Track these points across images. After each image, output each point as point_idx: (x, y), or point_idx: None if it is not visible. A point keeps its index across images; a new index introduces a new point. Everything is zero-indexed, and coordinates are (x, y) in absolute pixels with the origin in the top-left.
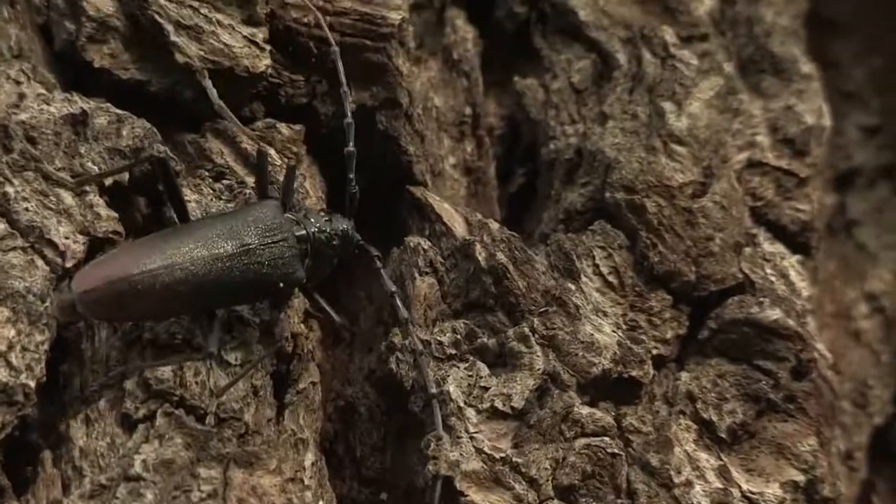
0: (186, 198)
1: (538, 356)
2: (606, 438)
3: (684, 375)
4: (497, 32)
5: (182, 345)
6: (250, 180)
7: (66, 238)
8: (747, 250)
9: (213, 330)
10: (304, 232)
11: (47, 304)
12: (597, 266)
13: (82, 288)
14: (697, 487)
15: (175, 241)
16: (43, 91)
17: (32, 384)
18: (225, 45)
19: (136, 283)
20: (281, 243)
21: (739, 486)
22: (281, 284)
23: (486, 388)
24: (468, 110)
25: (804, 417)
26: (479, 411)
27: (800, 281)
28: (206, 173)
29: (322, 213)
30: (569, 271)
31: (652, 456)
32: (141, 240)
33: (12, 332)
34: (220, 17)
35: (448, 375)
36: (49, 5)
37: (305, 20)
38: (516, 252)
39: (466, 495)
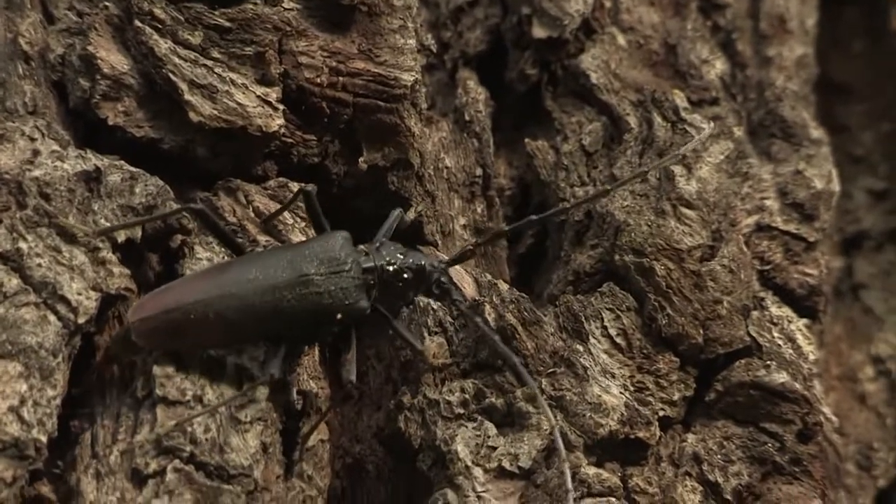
0: (198, 255)
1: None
2: (612, 499)
3: (691, 437)
4: (508, 93)
5: (193, 401)
6: (262, 238)
7: (79, 294)
8: (755, 314)
9: (277, 355)
10: (371, 264)
11: (59, 359)
12: (605, 328)
13: (138, 317)
14: None
15: (231, 271)
16: (57, 148)
17: (44, 439)
18: (238, 104)
19: (190, 311)
20: (343, 274)
21: None
22: (339, 316)
23: (493, 448)
24: (479, 171)
25: (809, 480)
26: (486, 470)
27: (807, 345)
28: None
29: (400, 247)
30: (577, 333)
31: None
32: (200, 271)
33: (24, 387)
34: (233, 76)
35: (456, 434)
36: (64, 62)
37: (318, 80)
38: (525, 313)
39: None
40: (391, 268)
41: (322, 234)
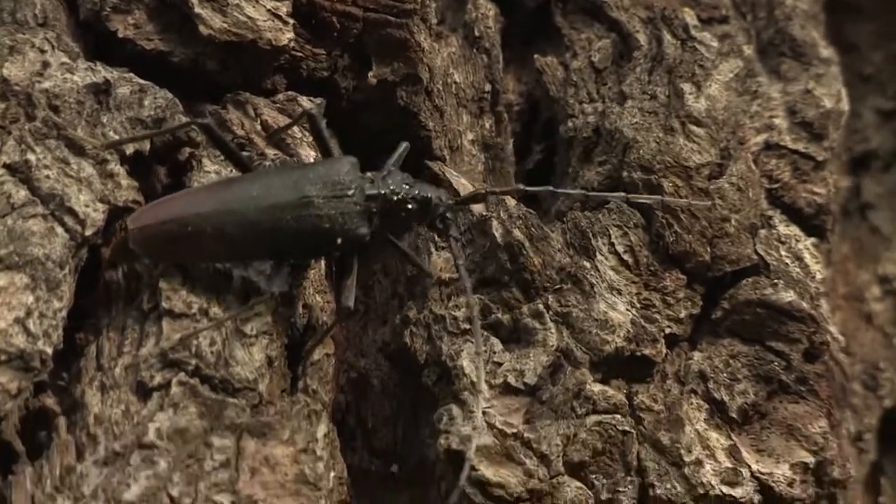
0: (206, 168)
1: (552, 333)
2: (618, 416)
3: (697, 355)
4: (518, 9)
5: (198, 314)
6: (270, 152)
7: (87, 206)
8: (762, 232)
9: (282, 271)
10: (375, 192)
11: (65, 271)
12: (612, 244)
13: (136, 224)
14: (707, 467)
15: (234, 187)
16: (67, 60)
17: (49, 351)
18: (248, 17)
19: (188, 223)
20: (345, 199)
21: (749, 467)
22: (339, 240)
23: (499, 364)
24: (487, 87)
25: (815, 399)
26: (491, 386)
27: (814, 263)
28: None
29: (408, 178)
30: (584, 249)
31: (663, 434)
32: (203, 185)
33: (31, 299)
34: None
35: (462, 350)
36: None
37: None
38: (532, 229)
39: (477, 470)
40: (395, 197)
41: (330, 158)
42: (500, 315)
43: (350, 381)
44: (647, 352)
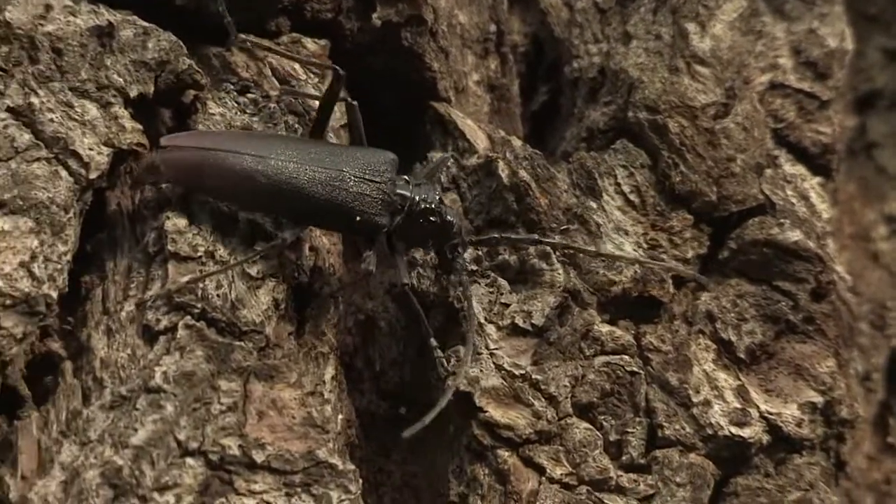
0: (211, 111)
1: (559, 274)
2: (626, 357)
3: (704, 295)
4: None
5: (204, 257)
6: (275, 93)
7: (91, 149)
8: (768, 172)
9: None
10: (405, 192)
11: (70, 214)
12: (618, 185)
13: (171, 143)
14: (716, 407)
15: (275, 142)
16: (69, 3)
17: (55, 295)
18: None
19: (222, 159)
20: (376, 185)
21: (758, 407)
22: (358, 218)
23: (506, 305)
24: (492, 27)
25: (822, 339)
26: (499, 328)
27: (820, 203)
28: (231, 87)
29: (440, 194)
30: (591, 189)
31: (671, 375)
32: (246, 131)
33: (35, 243)
34: None
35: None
36: None
37: None
38: (539, 169)
39: (486, 411)
40: (423, 205)
41: (374, 148)
42: (507, 256)
43: (357, 323)
44: (654, 292)
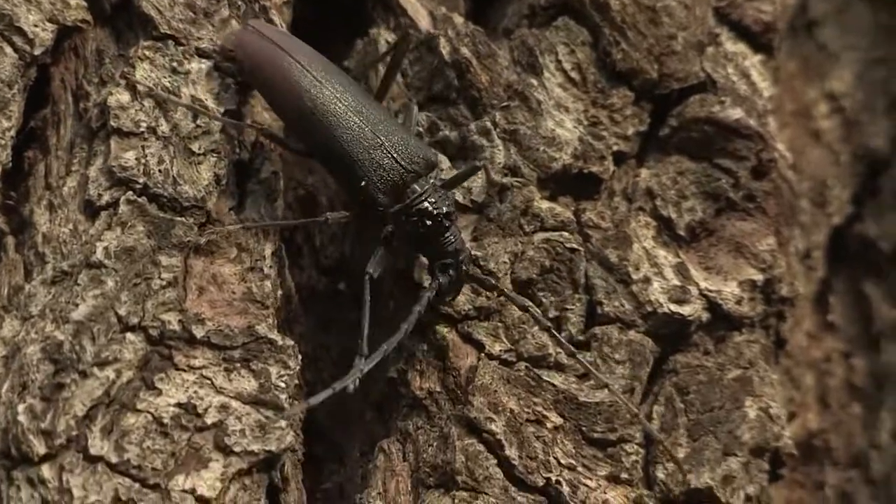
0: None
1: (499, 150)
2: (565, 233)
3: (644, 172)
4: None
5: (147, 133)
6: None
7: (35, 26)
8: (710, 49)
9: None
10: (419, 189)
11: (14, 90)
12: (559, 62)
13: (255, 26)
14: (655, 284)
15: (336, 78)
16: None
17: None
18: None
19: (286, 69)
20: (399, 167)
21: (697, 285)
22: (363, 183)
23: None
24: None
25: (763, 217)
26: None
27: (761, 81)
28: None
29: (452, 210)
30: (531, 66)
31: (610, 252)
32: (318, 53)
33: None
34: None
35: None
36: None
37: None
38: (480, 46)
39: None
40: (427, 205)
41: (423, 143)
42: (447, 132)
43: (298, 198)
44: (594, 169)
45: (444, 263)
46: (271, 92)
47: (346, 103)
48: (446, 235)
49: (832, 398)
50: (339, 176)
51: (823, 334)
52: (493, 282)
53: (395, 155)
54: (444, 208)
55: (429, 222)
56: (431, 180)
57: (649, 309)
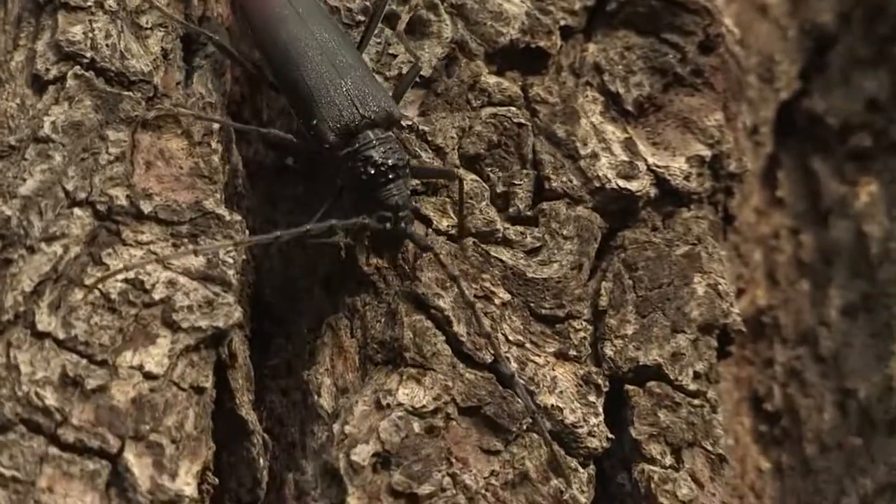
0: None
1: (447, 25)
2: (513, 108)
3: (591, 47)
4: None
5: (94, 7)
6: None
7: None
8: None
9: None
10: (370, 138)
11: None
12: None
13: None
14: (603, 160)
15: (323, 21)
16: None
17: None
18: None
19: (269, 15)
20: (353, 111)
21: (645, 160)
22: (315, 122)
23: (393, 56)
24: None
25: (711, 92)
26: (387, 78)
27: None
28: None
29: (404, 162)
30: None
31: (558, 127)
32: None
33: None
34: None
35: (356, 42)
36: None
37: None
38: None
39: None
40: (373, 153)
41: (387, 93)
42: (394, 6)
43: (245, 72)
44: (541, 44)
45: (381, 215)
46: (252, 18)
47: (319, 41)
48: (388, 187)
49: (780, 274)
50: (297, 107)
51: (771, 210)
52: (429, 243)
53: (353, 99)
54: (392, 161)
55: (371, 170)
56: (390, 133)
57: (597, 184)
